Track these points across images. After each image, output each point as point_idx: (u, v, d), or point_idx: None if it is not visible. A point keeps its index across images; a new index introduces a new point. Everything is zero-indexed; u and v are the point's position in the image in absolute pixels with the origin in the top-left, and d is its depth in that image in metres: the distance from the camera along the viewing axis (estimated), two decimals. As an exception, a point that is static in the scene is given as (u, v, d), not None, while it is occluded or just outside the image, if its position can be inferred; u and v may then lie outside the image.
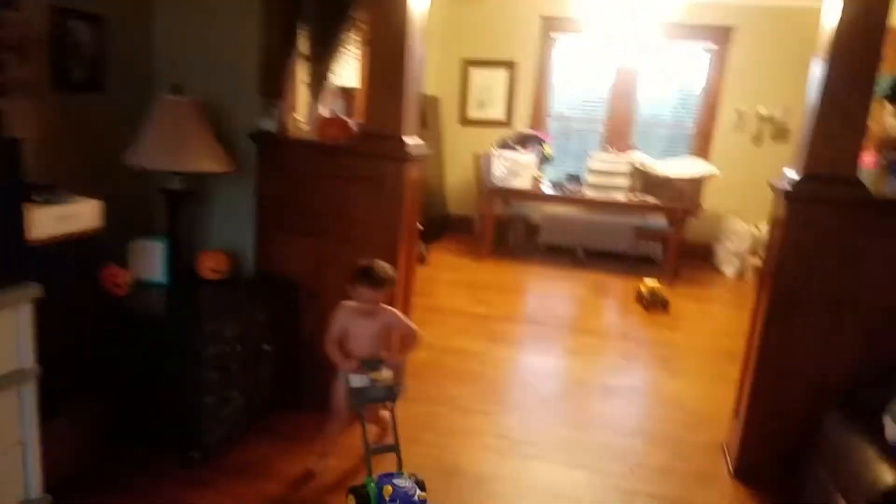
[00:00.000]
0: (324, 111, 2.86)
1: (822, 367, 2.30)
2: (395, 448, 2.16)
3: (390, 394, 2.18)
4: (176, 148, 2.46)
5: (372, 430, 2.33)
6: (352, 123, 2.74)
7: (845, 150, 2.20)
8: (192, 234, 2.91)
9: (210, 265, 2.76)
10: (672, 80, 6.38)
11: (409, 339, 2.37)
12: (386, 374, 2.18)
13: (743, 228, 5.74)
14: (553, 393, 3.20)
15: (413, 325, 2.37)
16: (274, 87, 2.75)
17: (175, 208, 2.61)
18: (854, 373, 2.25)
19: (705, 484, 2.43)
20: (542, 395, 3.14)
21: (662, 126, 6.48)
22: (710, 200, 5.75)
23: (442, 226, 6.50)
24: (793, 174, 2.33)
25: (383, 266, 2.20)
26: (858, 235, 2.22)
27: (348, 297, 2.26)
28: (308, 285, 2.79)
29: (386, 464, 2.16)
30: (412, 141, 2.67)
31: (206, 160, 2.52)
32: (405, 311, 2.94)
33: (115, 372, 2.39)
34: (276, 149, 2.73)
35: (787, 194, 2.27)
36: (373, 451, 2.14)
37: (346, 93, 4.17)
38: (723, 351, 3.85)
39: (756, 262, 5.54)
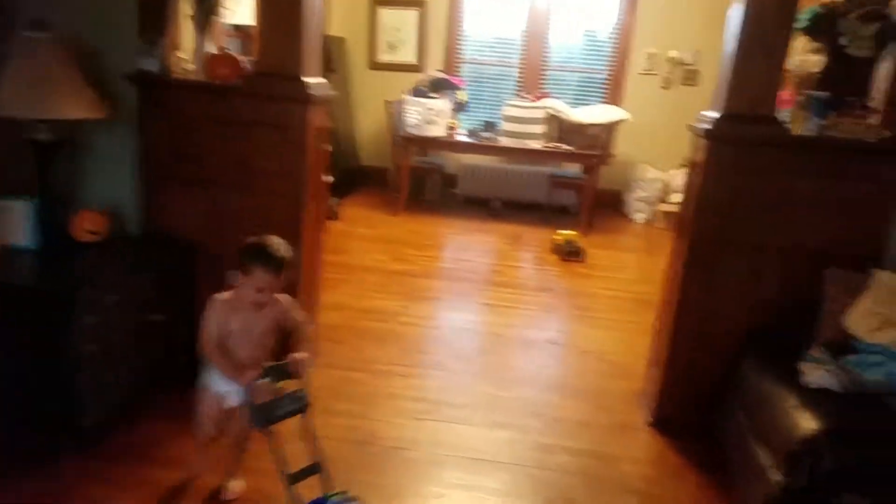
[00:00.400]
0: (212, 49, 2.54)
1: (742, 311, 2.32)
2: (317, 469, 1.74)
3: (303, 404, 1.75)
4: (39, 93, 2.15)
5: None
6: (244, 61, 2.44)
7: (765, 88, 2.16)
8: (67, 191, 2.55)
9: (87, 226, 2.43)
10: (583, 23, 6.28)
11: (297, 335, 1.86)
12: (294, 380, 1.77)
13: (653, 175, 5.84)
14: (472, 350, 3.12)
15: (303, 317, 1.92)
16: (154, 23, 2.41)
17: (44, 162, 2.28)
18: (774, 317, 2.28)
19: (624, 435, 2.44)
20: (462, 353, 3.05)
21: (575, 71, 6.40)
22: (620, 147, 5.79)
23: (354, 178, 6.21)
24: (713, 114, 2.28)
25: (280, 242, 1.78)
26: (778, 175, 2.22)
27: (226, 287, 1.81)
28: (204, 244, 2.53)
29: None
30: (315, 82, 2.42)
31: (75, 106, 2.21)
32: (315, 272, 2.74)
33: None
34: (159, 91, 2.44)
35: (707, 133, 2.22)
36: (293, 477, 1.70)
37: (242, 31, 3.77)
38: (639, 299, 3.91)
39: (666, 208, 5.67)
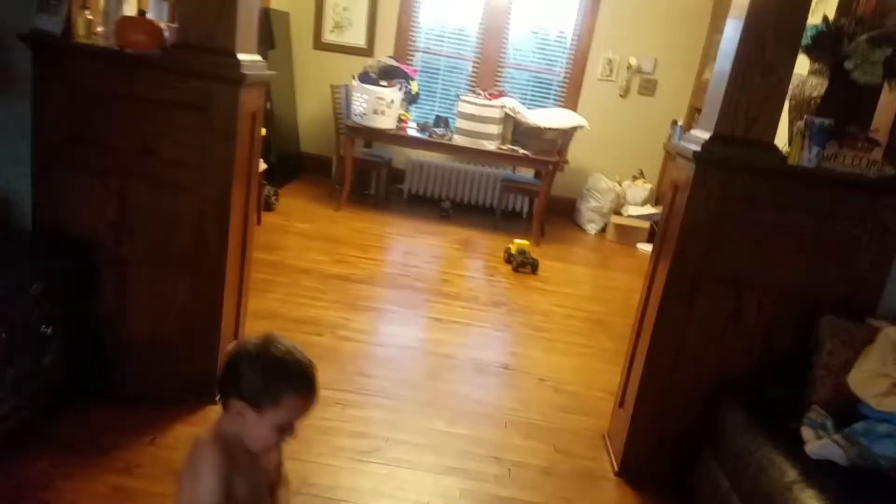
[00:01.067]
0: (127, 10, 2.11)
1: (722, 354, 2.10)
2: None
3: None
4: None
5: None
6: (164, 28, 2.03)
7: (761, 110, 1.95)
8: None
9: None
10: (542, 21, 6.04)
11: (283, 497, 1.34)
12: None
13: (606, 185, 5.69)
14: (419, 374, 2.80)
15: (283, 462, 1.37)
16: None
17: None
18: (755, 363, 2.08)
19: (589, 485, 2.18)
20: (408, 377, 2.73)
21: (531, 70, 6.16)
22: (574, 154, 5.60)
23: (293, 166, 5.76)
24: (702, 134, 2.05)
25: (299, 350, 1.21)
26: (768, 208, 2.01)
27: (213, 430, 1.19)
28: (106, 244, 2.13)
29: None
30: (249, 59, 2.04)
31: None
32: (244, 275, 2.36)
33: None
34: (59, 57, 2.01)
35: (695, 155, 1.99)
36: None
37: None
38: (593, 318, 3.70)
39: (619, 220, 5.53)
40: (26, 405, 1.94)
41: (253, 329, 2.64)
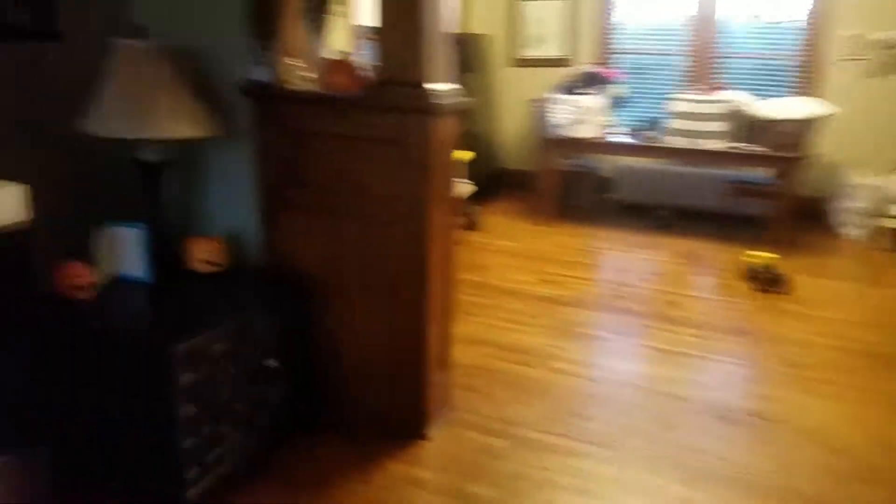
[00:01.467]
0: (329, 53, 2.14)
1: None
2: None
3: None
4: (141, 109, 1.85)
5: None
6: (363, 68, 2.01)
7: None
8: (181, 216, 2.32)
9: (202, 255, 2.15)
10: (762, 1, 5.21)
11: None
12: None
13: (865, 181, 4.67)
14: (647, 418, 2.40)
15: None
16: (266, 25, 2.04)
17: (152, 185, 2.00)
18: None
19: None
20: (634, 423, 2.36)
21: (755, 58, 5.34)
22: (820, 147, 4.70)
23: (496, 183, 5.68)
24: None
25: None
26: None
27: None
28: (321, 279, 2.18)
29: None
30: (441, 88, 1.94)
31: (182, 123, 1.91)
32: (448, 302, 2.26)
33: (70, 403, 1.84)
34: (273, 104, 2.08)
35: None
36: None
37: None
38: (868, 351, 2.95)
39: (888, 223, 4.49)
40: (253, 438, 2.00)
41: (460, 355, 2.52)
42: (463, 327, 2.86)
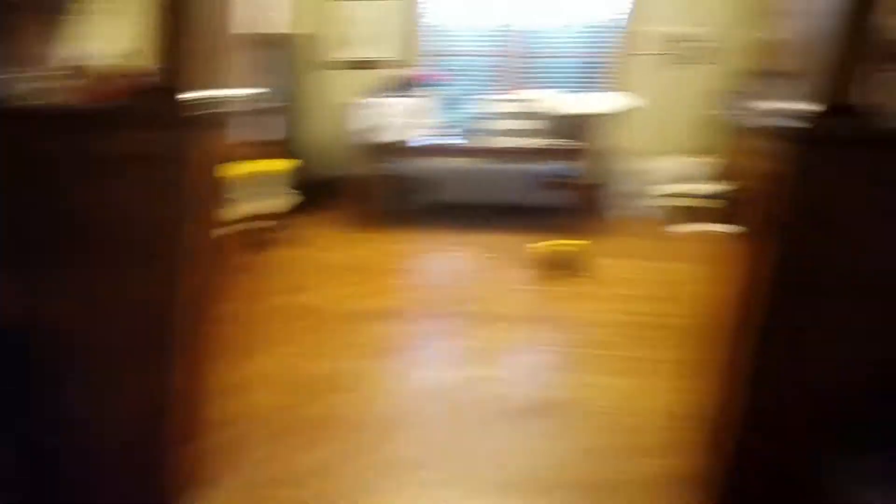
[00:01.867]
0: (86, 59, 1.83)
1: (846, 387, 1.57)
2: None
3: None
4: None
5: None
6: (137, 74, 1.69)
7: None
8: None
9: None
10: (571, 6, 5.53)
11: None
12: None
13: (637, 165, 5.09)
14: (459, 431, 2.31)
15: None
16: None
17: None
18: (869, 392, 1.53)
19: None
20: (444, 438, 2.26)
21: (570, 58, 5.66)
22: (621, 137, 5.05)
23: (322, 192, 5.47)
24: (804, 106, 1.52)
25: None
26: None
27: None
28: (71, 337, 1.74)
29: None
30: (203, 96, 1.66)
31: None
32: (207, 351, 1.91)
33: None
34: (9, 124, 1.63)
35: (801, 135, 1.47)
36: None
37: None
38: (662, 322, 3.16)
39: (676, 202, 4.93)
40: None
41: (246, 404, 2.27)
42: (260, 364, 2.64)
